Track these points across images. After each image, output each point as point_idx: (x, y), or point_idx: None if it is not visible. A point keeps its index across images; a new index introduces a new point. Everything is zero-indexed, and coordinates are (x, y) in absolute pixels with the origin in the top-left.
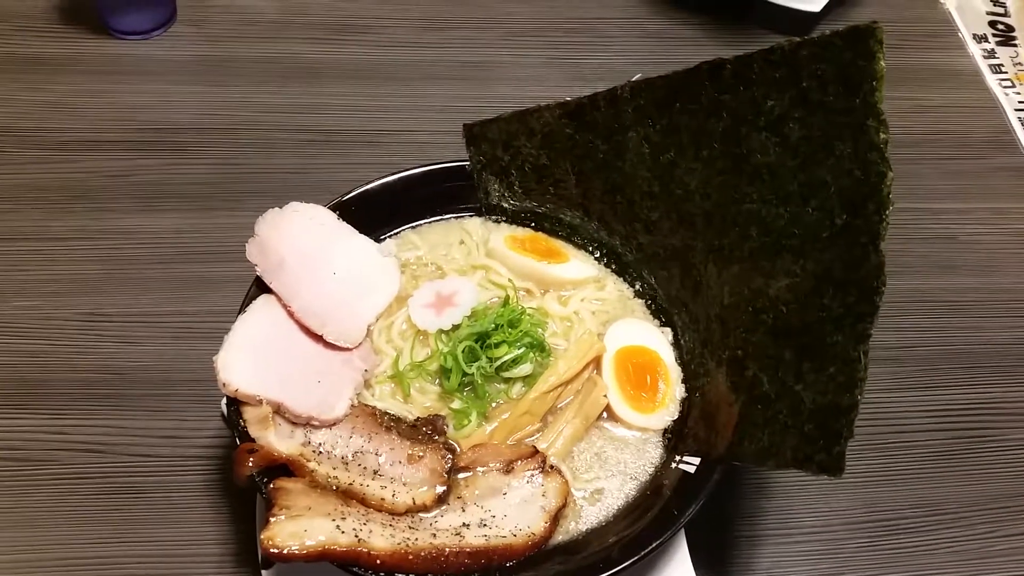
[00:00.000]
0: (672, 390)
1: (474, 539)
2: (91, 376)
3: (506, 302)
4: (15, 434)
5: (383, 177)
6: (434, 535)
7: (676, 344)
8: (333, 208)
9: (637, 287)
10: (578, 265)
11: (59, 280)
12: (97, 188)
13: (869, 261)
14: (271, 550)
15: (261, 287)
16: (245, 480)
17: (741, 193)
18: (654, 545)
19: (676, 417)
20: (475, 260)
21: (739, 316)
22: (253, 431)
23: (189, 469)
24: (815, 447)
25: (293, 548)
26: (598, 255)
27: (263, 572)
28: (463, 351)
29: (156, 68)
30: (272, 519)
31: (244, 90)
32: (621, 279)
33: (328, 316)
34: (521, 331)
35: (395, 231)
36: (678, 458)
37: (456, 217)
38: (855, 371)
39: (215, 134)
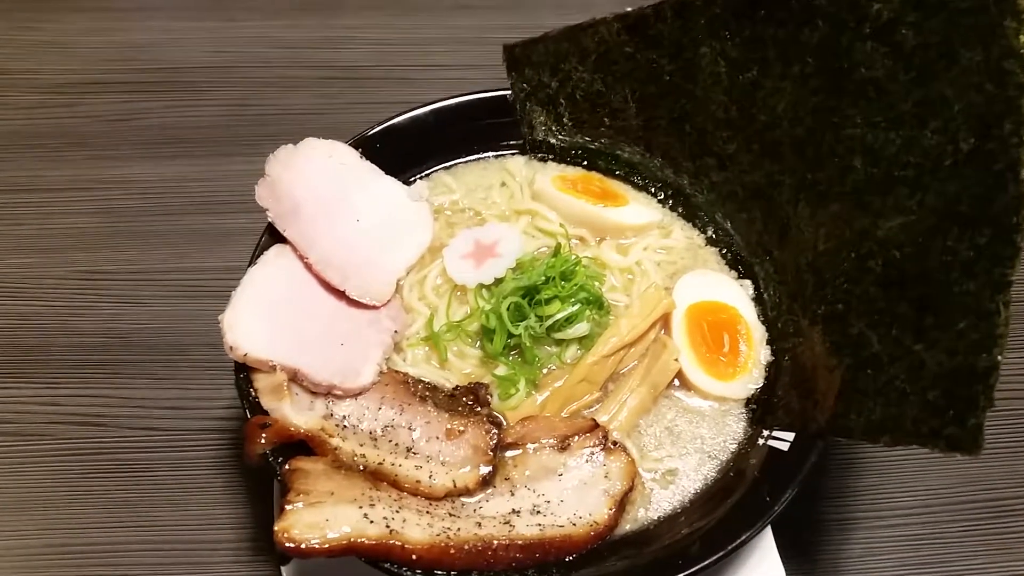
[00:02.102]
0: (755, 353)
1: (526, 529)
2: (89, 340)
3: (557, 251)
4: (4, 405)
5: (412, 110)
6: (479, 524)
7: (758, 299)
8: (355, 145)
9: (709, 233)
10: (639, 209)
11: (54, 235)
12: (96, 134)
13: (1006, 193)
14: (287, 544)
15: (274, 236)
16: (257, 459)
17: (841, 116)
18: (743, 538)
19: (761, 385)
20: (519, 204)
21: (839, 264)
22: (266, 402)
23: (199, 444)
24: (943, 419)
25: (313, 542)
26: (662, 197)
27: (282, 569)
28: (508, 308)
29: (159, 3)
30: (288, 507)
31: (256, 24)
32: (690, 224)
33: (351, 269)
34: (575, 284)
35: (426, 172)
36: (766, 433)
37: (496, 156)
38: (992, 326)
39: (225, 73)
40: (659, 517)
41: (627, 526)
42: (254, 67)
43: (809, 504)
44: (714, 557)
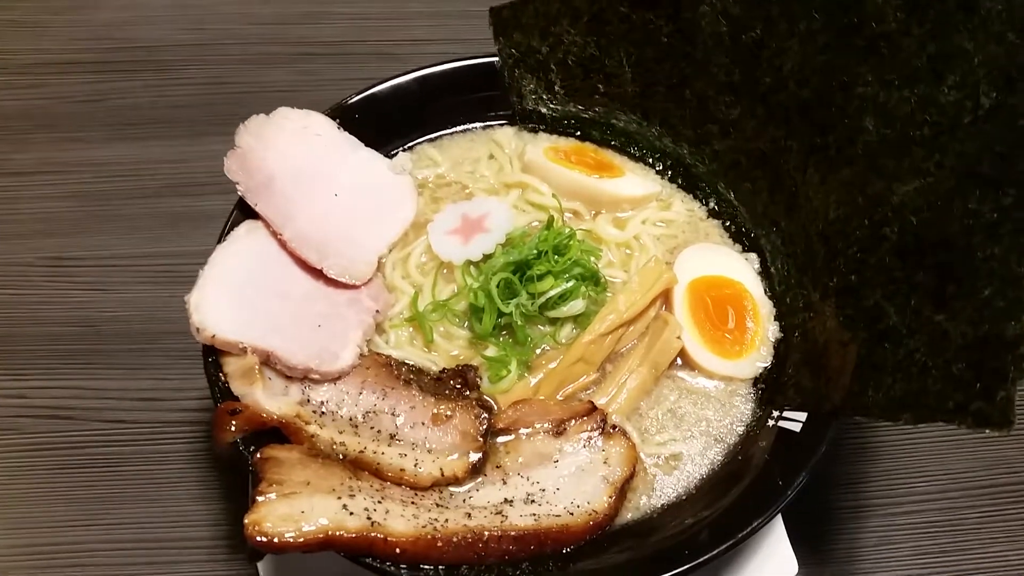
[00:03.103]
0: (763, 330)
1: (520, 519)
2: (58, 330)
3: (549, 224)
4: None
5: (393, 78)
6: (469, 515)
7: (764, 273)
8: (332, 115)
9: (712, 205)
10: (636, 180)
11: (21, 220)
12: (65, 115)
13: None
14: (258, 538)
15: (245, 211)
16: (227, 448)
17: (851, 75)
18: (754, 525)
19: (770, 363)
20: (508, 177)
21: (851, 233)
22: (236, 387)
23: (173, 436)
24: (969, 392)
25: (287, 535)
26: (660, 168)
27: (257, 565)
28: (498, 285)
29: None
30: (260, 498)
31: (232, 1)
32: (691, 196)
33: (329, 246)
34: (569, 259)
35: (409, 144)
36: (776, 414)
37: (484, 127)
38: (1020, 292)
39: (200, 51)
40: (663, 505)
41: (628, 515)
42: (230, 44)
43: (821, 492)
44: (724, 546)
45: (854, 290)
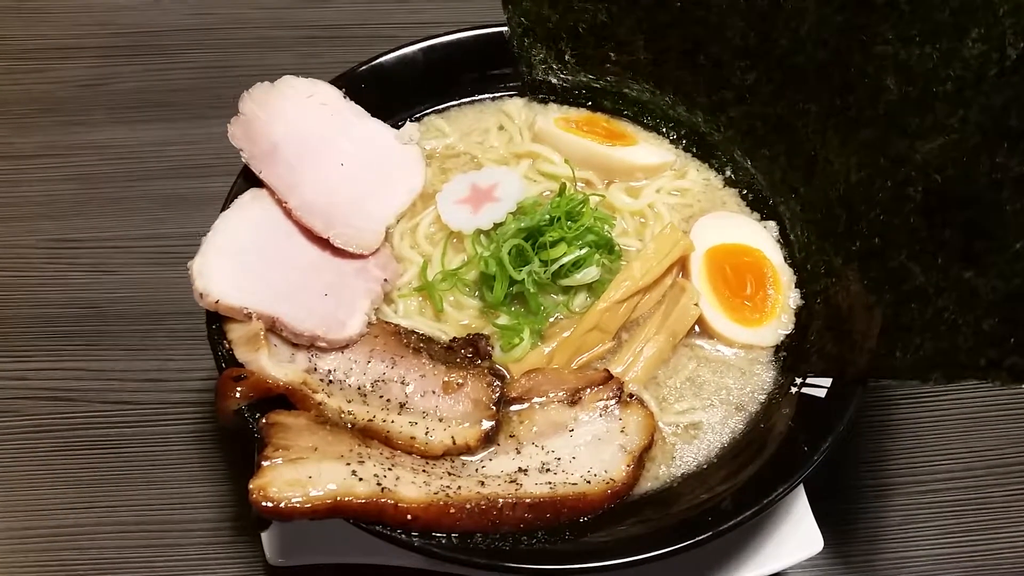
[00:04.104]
0: (784, 297)
1: (535, 488)
2: (59, 311)
3: (562, 191)
4: None
5: (400, 48)
6: (482, 483)
7: (784, 241)
8: (338, 85)
9: (728, 174)
10: (650, 149)
11: (23, 203)
12: (68, 99)
13: None
14: (263, 503)
15: (249, 180)
16: (231, 416)
17: (870, 33)
18: (780, 491)
19: (791, 330)
20: (519, 147)
21: (873, 195)
22: (241, 354)
23: (176, 417)
24: (1003, 348)
25: (294, 500)
26: (674, 137)
27: (263, 544)
28: (509, 252)
29: None
30: (265, 463)
31: None
32: (706, 165)
33: (335, 216)
34: (582, 226)
35: (417, 115)
36: (799, 381)
37: (493, 98)
38: None
39: (204, 35)
40: (683, 474)
41: (648, 484)
42: (234, 28)
43: (843, 471)
44: (749, 512)
45: (878, 253)
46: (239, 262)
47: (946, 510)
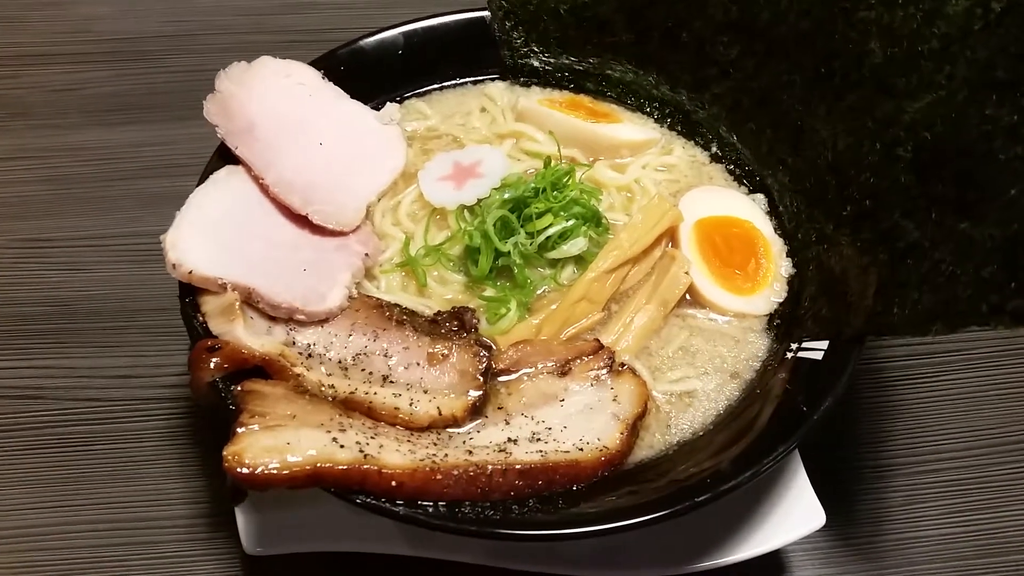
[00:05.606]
0: (775, 267)
1: (526, 456)
2: (28, 310)
3: (547, 164)
4: None
5: (380, 31)
6: (470, 452)
7: (773, 212)
8: (317, 66)
9: (713, 150)
10: (634, 127)
11: None
12: (41, 103)
13: None
14: (238, 470)
15: (224, 158)
16: (205, 389)
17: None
18: (780, 450)
19: (784, 298)
20: (502, 127)
21: (862, 159)
22: (215, 325)
23: (149, 414)
24: (1004, 293)
25: (271, 467)
26: (658, 116)
27: (238, 525)
28: (495, 224)
29: None
30: (241, 429)
31: None
32: (691, 142)
33: (313, 193)
34: (568, 197)
35: (397, 99)
36: (794, 346)
37: (474, 82)
38: None
39: (182, 41)
40: (679, 441)
41: (643, 453)
42: (213, 34)
43: (845, 451)
44: (748, 473)
45: (870, 214)
46: (214, 235)
47: (949, 490)
